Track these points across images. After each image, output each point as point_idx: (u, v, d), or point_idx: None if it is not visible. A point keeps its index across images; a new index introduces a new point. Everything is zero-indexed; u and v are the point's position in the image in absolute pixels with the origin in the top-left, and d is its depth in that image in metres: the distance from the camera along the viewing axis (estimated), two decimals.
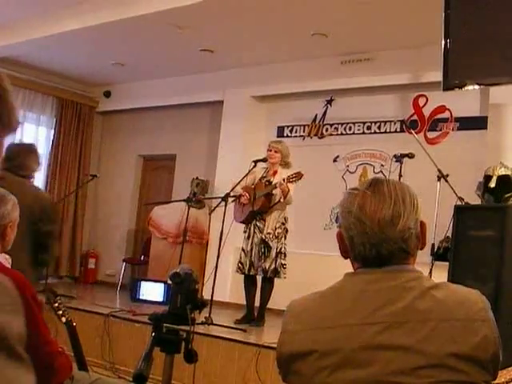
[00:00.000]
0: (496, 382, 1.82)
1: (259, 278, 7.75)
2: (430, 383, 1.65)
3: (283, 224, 7.66)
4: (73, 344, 3.80)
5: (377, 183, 1.90)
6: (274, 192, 7.57)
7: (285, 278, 7.59)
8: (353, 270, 1.91)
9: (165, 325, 2.61)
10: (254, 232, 7.67)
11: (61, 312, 3.73)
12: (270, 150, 7.76)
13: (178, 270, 2.61)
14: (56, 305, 3.73)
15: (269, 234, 7.58)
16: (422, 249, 1.91)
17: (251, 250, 7.64)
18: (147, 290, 2.48)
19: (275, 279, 7.63)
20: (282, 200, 7.56)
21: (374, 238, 1.80)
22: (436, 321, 1.69)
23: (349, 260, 1.95)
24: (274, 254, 7.53)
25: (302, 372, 1.79)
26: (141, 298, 2.56)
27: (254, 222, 7.70)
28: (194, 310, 2.59)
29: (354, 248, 1.86)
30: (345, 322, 1.75)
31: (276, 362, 1.91)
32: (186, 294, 2.59)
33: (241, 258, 7.75)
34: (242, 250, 7.76)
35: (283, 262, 7.57)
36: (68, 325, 3.76)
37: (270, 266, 7.52)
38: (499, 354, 1.73)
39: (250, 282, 7.81)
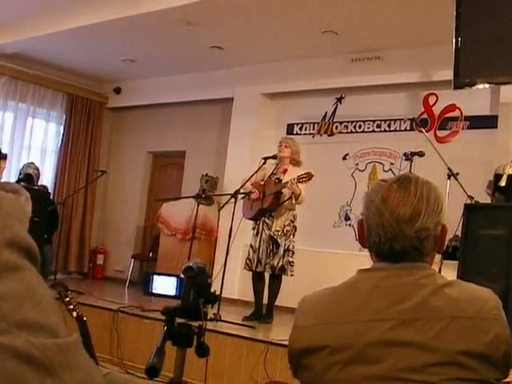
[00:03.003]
0: (507, 380, 1.82)
1: (267, 275, 7.76)
2: (441, 380, 1.65)
3: (292, 222, 7.66)
4: (83, 339, 3.79)
5: (405, 179, 1.90)
6: (283, 191, 7.57)
7: (292, 275, 7.59)
8: (364, 267, 1.91)
9: (177, 319, 2.62)
10: (263, 229, 7.67)
11: (72, 307, 3.73)
12: (281, 145, 7.77)
13: (191, 264, 2.61)
14: (67, 299, 3.74)
15: (277, 231, 7.59)
16: (439, 252, 1.92)
17: (259, 246, 7.64)
18: (160, 283, 2.50)
19: (283, 277, 7.64)
20: (293, 201, 7.56)
21: (390, 231, 1.81)
22: (448, 318, 1.69)
23: (358, 257, 1.96)
24: (281, 251, 7.53)
25: (313, 367, 1.79)
26: (153, 291, 2.57)
27: (262, 218, 7.70)
28: (206, 304, 2.60)
29: (370, 238, 1.87)
30: (357, 318, 1.76)
31: (287, 357, 1.92)
32: (198, 288, 2.60)
33: (249, 254, 7.76)
34: (251, 246, 7.76)
35: (291, 259, 7.57)
36: (79, 320, 3.76)
37: (278, 263, 7.52)
38: (510, 353, 1.73)
39: (257, 279, 7.82)
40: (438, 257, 6.75)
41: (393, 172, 9.27)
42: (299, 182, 7.34)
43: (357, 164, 9.86)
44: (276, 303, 7.77)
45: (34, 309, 0.94)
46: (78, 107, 12.79)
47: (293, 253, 7.61)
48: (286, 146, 7.74)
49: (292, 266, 7.58)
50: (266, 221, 7.67)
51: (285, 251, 7.54)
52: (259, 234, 7.69)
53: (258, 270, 7.68)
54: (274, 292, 7.71)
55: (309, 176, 7.36)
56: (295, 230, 7.69)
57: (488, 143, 8.39)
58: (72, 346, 0.97)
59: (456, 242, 6.97)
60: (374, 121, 9.76)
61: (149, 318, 7.24)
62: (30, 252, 0.99)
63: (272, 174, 7.81)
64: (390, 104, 9.58)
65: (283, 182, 7.55)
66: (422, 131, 7.77)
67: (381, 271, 1.83)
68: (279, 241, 7.55)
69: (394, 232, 1.81)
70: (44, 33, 9.99)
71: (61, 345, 0.95)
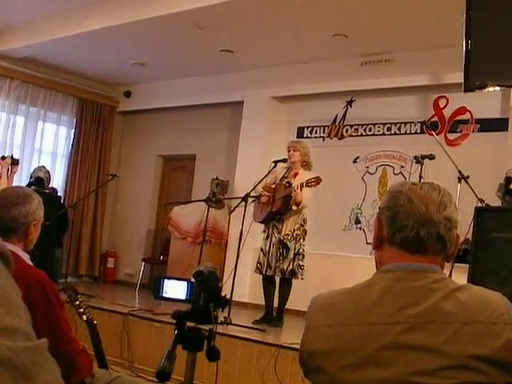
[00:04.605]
0: None
1: (278, 279, 7.76)
2: None
3: (302, 226, 7.65)
4: (93, 342, 3.82)
5: (427, 182, 1.96)
6: (292, 195, 7.56)
7: (302, 279, 7.58)
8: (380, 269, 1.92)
9: (187, 323, 2.62)
10: (273, 232, 7.67)
11: (82, 310, 3.75)
12: (289, 150, 7.77)
13: (201, 268, 2.61)
14: (77, 303, 3.75)
15: (287, 235, 7.58)
16: (448, 260, 1.93)
17: (269, 250, 7.65)
18: (170, 287, 2.50)
19: (294, 280, 7.63)
20: (293, 208, 7.55)
21: (419, 216, 1.84)
22: (460, 323, 1.69)
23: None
24: (291, 254, 7.52)
25: (325, 369, 1.79)
26: (164, 295, 2.58)
27: (272, 222, 7.70)
28: (216, 308, 2.60)
29: (393, 226, 1.88)
30: (369, 321, 1.76)
31: (298, 358, 1.92)
32: (209, 292, 2.60)
33: (259, 258, 7.76)
34: (261, 250, 7.77)
35: (301, 263, 7.56)
36: (89, 323, 3.78)
37: (288, 266, 7.52)
38: None
39: (268, 283, 7.81)
40: None
41: (403, 175, 9.25)
42: (307, 186, 7.34)
43: (367, 167, 9.85)
44: (286, 306, 7.76)
45: (8, 313, 0.95)
46: (89, 111, 12.83)
47: (303, 256, 7.59)
48: (294, 150, 7.74)
49: (302, 269, 7.57)
50: (276, 224, 7.67)
51: (295, 255, 7.54)
52: (269, 238, 7.69)
53: (268, 273, 7.68)
54: (285, 296, 7.70)
55: (317, 180, 7.35)
56: (305, 234, 7.67)
57: (498, 146, 8.37)
58: (42, 349, 0.98)
59: (467, 245, 6.95)
60: (384, 124, 9.75)
61: (159, 322, 7.25)
62: (3, 254, 1.00)
63: (283, 177, 7.80)
64: (401, 107, 9.56)
65: (293, 185, 7.55)
66: (432, 134, 7.76)
67: (394, 272, 1.83)
68: (289, 244, 7.55)
69: (424, 217, 1.84)
70: (54, 37, 10.03)
71: (33, 347, 0.96)
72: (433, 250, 1.86)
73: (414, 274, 1.81)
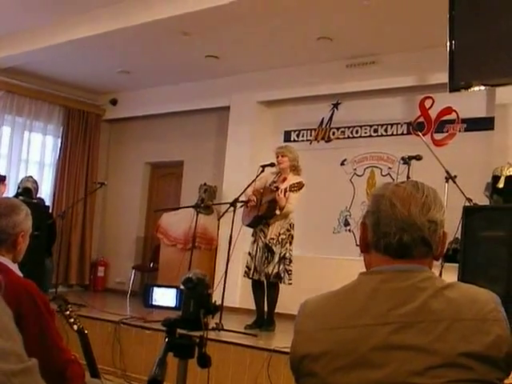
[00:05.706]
0: (508, 382, 1.82)
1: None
2: (444, 383, 1.65)
3: (288, 230, 7.63)
4: (85, 352, 3.80)
5: (411, 181, 1.96)
6: (277, 199, 7.55)
7: (290, 283, 7.56)
8: (365, 270, 1.92)
9: (178, 330, 2.62)
10: (259, 237, 7.68)
11: (72, 320, 3.73)
12: (278, 157, 7.78)
13: (190, 275, 2.61)
14: (67, 313, 3.74)
15: (272, 239, 7.57)
16: (437, 259, 1.93)
17: (256, 254, 7.65)
18: (160, 295, 2.52)
19: (284, 284, 7.61)
20: (277, 213, 7.55)
21: (402, 222, 1.83)
22: (449, 321, 1.69)
23: (358, 262, 1.96)
24: (276, 258, 7.51)
25: (316, 373, 1.79)
26: (154, 303, 2.59)
27: (260, 226, 7.70)
28: (207, 314, 2.60)
29: (377, 232, 1.88)
30: (358, 323, 1.76)
31: (289, 364, 1.92)
32: (198, 299, 2.60)
33: (247, 262, 7.77)
34: (249, 254, 7.77)
35: (287, 267, 7.54)
36: (80, 333, 3.76)
37: (273, 270, 7.50)
38: None
39: (257, 287, 7.81)
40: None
41: (391, 176, 9.27)
42: (290, 190, 7.34)
43: (355, 169, 9.86)
44: (278, 310, 7.76)
45: (1, 336, 0.95)
46: (75, 120, 12.79)
47: (290, 261, 7.57)
48: (282, 156, 7.74)
49: (289, 274, 7.54)
50: (263, 228, 7.67)
51: (280, 259, 7.52)
52: (256, 242, 7.70)
53: (254, 277, 7.68)
54: (272, 300, 7.69)
55: (299, 185, 7.35)
56: (292, 239, 7.65)
57: (485, 145, 8.40)
58: (33, 370, 0.98)
59: (456, 244, 6.97)
60: (370, 126, 9.77)
61: (151, 329, 7.23)
62: None
63: (273, 181, 7.81)
64: (387, 108, 9.59)
65: (280, 189, 7.55)
66: (418, 135, 7.77)
67: (381, 274, 1.83)
68: (274, 248, 7.53)
69: (406, 222, 1.83)
70: (39, 46, 10.00)
71: (25, 370, 0.96)
72: (419, 254, 1.85)
73: (402, 274, 1.81)
